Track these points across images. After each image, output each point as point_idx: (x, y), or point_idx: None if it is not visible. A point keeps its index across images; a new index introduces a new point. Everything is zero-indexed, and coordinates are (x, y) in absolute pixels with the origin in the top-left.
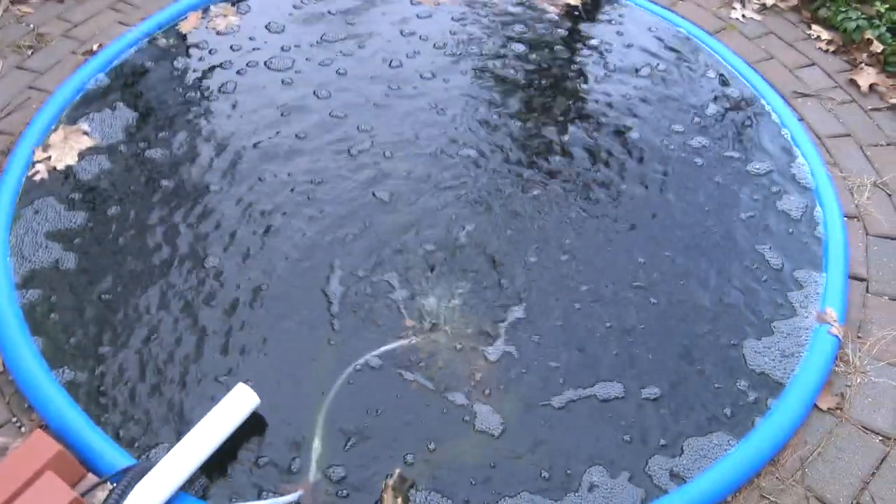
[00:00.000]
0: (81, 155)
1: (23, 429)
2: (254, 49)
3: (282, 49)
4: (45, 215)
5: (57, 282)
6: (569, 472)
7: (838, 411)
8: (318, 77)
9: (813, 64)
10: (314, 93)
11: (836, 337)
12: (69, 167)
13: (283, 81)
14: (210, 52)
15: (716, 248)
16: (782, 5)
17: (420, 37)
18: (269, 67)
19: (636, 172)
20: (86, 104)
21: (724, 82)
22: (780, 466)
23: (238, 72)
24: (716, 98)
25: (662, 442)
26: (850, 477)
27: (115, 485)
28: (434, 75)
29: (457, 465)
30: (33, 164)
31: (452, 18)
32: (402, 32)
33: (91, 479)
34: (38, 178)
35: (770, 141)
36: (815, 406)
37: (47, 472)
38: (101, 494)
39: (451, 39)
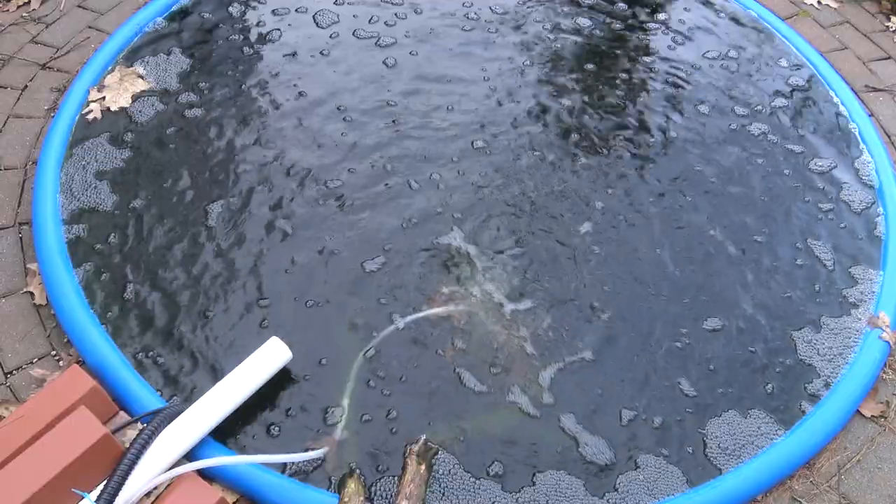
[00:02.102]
0: (135, 97)
1: (61, 363)
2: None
3: (335, 3)
4: (95, 155)
5: (103, 220)
6: (605, 449)
7: (882, 420)
8: (367, 28)
9: (888, 57)
10: (376, 43)
11: (888, 343)
12: (122, 108)
13: (330, 35)
14: (264, 1)
15: (769, 238)
16: None
17: None
18: (316, 23)
19: (692, 154)
20: (143, 47)
21: (793, 70)
22: (815, 470)
23: (284, 13)
24: (782, 85)
25: (703, 428)
26: (888, 488)
27: (145, 425)
28: (488, 34)
29: (486, 436)
30: (87, 103)
31: None
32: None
33: (123, 417)
34: (91, 117)
35: (836, 134)
36: (858, 412)
37: (81, 406)
38: (132, 433)
39: (513, 2)
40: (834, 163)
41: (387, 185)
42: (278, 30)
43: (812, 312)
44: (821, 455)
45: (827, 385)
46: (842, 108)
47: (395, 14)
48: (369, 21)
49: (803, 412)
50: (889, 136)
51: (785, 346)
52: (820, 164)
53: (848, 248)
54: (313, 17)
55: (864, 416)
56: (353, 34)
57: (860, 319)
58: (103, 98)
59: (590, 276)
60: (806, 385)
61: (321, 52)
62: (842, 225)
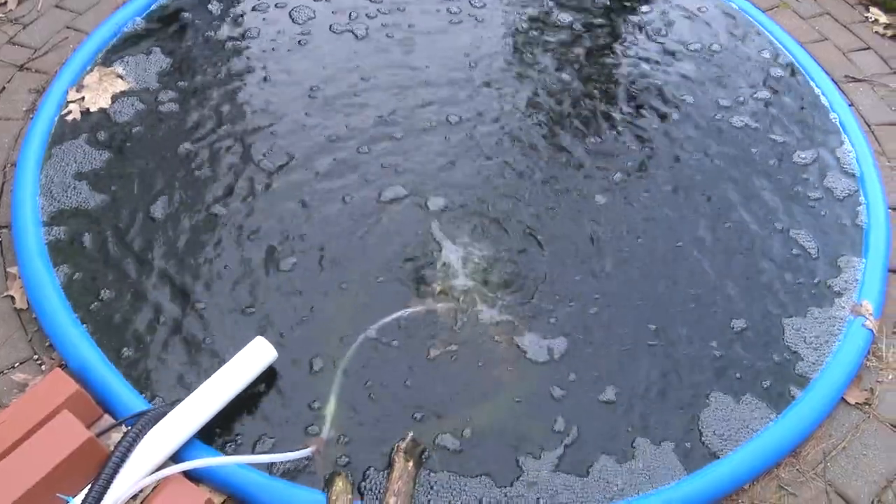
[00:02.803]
0: (115, 97)
1: (43, 367)
2: None
3: None
4: (75, 156)
5: (83, 222)
6: (595, 444)
7: (866, 407)
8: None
9: (868, 48)
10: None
11: (870, 331)
12: (102, 109)
13: (307, 30)
14: None
15: (751, 229)
16: None
17: None
18: (292, 19)
19: (674, 146)
20: (122, 47)
21: (774, 61)
22: (801, 458)
23: (263, 9)
24: (764, 77)
25: (693, 414)
26: (873, 475)
27: (129, 428)
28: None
29: (474, 434)
30: (66, 104)
31: None
32: None
33: (107, 420)
34: (70, 118)
35: (817, 125)
36: (843, 399)
37: (64, 410)
38: (116, 436)
39: None
40: (816, 153)
41: (363, 175)
42: (257, 27)
43: (797, 301)
44: (807, 443)
45: (813, 373)
46: (822, 99)
47: (378, 9)
48: (349, 17)
49: (792, 397)
50: (869, 126)
51: (772, 334)
52: (802, 154)
53: (831, 237)
54: (289, 13)
55: (848, 403)
56: (331, 29)
57: (844, 308)
58: (82, 99)
59: (566, 271)
60: (793, 373)
61: (299, 44)
62: (825, 214)
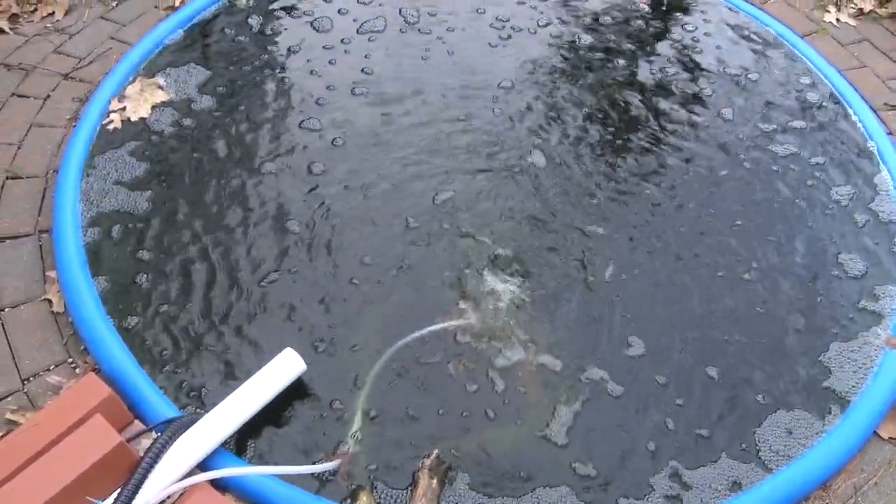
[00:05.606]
0: (155, 108)
1: (77, 370)
2: (330, 12)
3: (338, 12)
4: (115, 164)
5: (121, 229)
6: (619, 462)
7: None
8: (384, 46)
9: None
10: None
11: None
12: (142, 119)
13: (344, 48)
14: (287, 9)
15: (786, 256)
16: (881, 12)
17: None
18: (316, 28)
19: (712, 172)
20: (163, 59)
21: (811, 88)
22: (831, 492)
23: (303, 25)
24: (802, 103)
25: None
26: None
27: (159, 434)
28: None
29: (498, 452)
30: (108, 113)
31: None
32: (476, 11)
33: (137, 426)
34: (111, 127)
35: (854, 153)
36: (876, 433)
37: (96, 414)
38: (146, 442)
39: (533, 14)
40: (852, 182)
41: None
42: (298, 43)
43: (832, 331)
44: (837, 476)
45: (845, 405)
46: (860, 127)
47: (431, 27)
48: (384, 26)
49: (823, 431)
50: None
51: (803, 364)
52: (838, 182)
53: (867, 266)
54: (312, 23)
55: (881, 437)
56: (368, 39)
57: (879, 336)
58: (124, 108)
59: (609, 295)
60: (825, 404)
61: (334, 61)
62: (860, 242)
